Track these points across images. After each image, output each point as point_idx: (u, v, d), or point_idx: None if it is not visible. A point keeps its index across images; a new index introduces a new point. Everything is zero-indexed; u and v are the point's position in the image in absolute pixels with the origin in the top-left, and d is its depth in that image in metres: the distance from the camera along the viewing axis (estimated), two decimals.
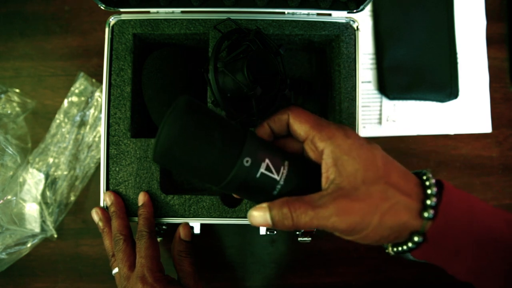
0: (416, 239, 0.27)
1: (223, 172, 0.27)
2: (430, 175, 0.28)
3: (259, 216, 0.28)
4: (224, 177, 0.27)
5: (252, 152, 0.27)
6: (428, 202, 0.27)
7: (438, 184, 0.28)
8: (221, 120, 0.27)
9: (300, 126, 0.30)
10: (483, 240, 0.26)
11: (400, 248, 0.28)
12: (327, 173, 0.28)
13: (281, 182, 0.28)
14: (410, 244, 0.27)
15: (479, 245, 0.26)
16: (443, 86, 0.56)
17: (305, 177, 0.30)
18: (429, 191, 0.27)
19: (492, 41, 0.59)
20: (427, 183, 0.28)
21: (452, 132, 0.58)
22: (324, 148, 0.28)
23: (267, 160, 0.27)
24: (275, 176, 0.28)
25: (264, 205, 0.28)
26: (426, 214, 0.26)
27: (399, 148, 0.57)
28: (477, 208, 0.27)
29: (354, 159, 0.27)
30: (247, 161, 0.26)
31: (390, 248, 0.30)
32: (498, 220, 0.27)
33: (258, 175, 0.27)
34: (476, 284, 0.28)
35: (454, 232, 0.26)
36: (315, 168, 0.30)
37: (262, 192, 0.29)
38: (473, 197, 0.28)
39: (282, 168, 0.28)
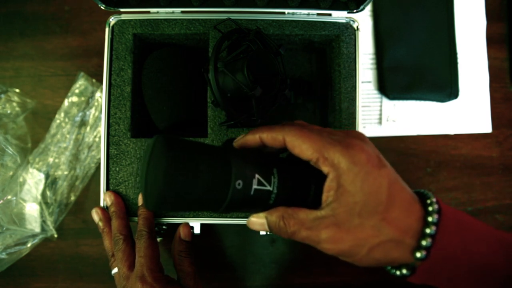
0: (404, 271, 0.28)
1: (219, 200, 0.27)
2: (434, 205, 0.27)
3: (259, 224, 0.30)
4: (220, 204, 0.27)
5: (241, 174, 0.27)
6: (424, 243, 0.26)
7: (438, 212, 0.27)
8: (201, 150, 0.26)
9: (301, 151, 0.28)
10: (478, 272, 0.26)
11: (395, 272, 0.29)
12: (328, 194, 0.27)
13: (275, 191, 0.28)
14: (397, 273, 0.28)
15: (475, 276, 0.27)
16: (443, 86, 0.56)
17: (296, 179, 0.30)
18: (427, 230, 0.26)
19: (492, 41, 0.59)
20: (430, 218, 0.26)
21: (452, 132, 0.58)
22: (328, 173, 0.27)
23: (257, 176, 0.27)
24: (268, 188, 0.28)
25: (262, 215, 0.29)
26: (418, 255, 0.26)
27: (399, 148, 0.57)
28: (472, 237, 0.27)
29: (356, 192, 0.26)
30: (238, 184, 0.26)
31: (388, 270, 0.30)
32: (494, 249, 0.27)
33: (252, 192, 0.27)
34: None
35: (447, 265, 0.27)
36: (303, 164, 0.29)
37: (259, 204, 0.29)
38: (469, 221, 0.28)
39: (272, 178, 0.28)
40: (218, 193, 0.26)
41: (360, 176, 0.26)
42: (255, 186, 0.27)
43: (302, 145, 0.28)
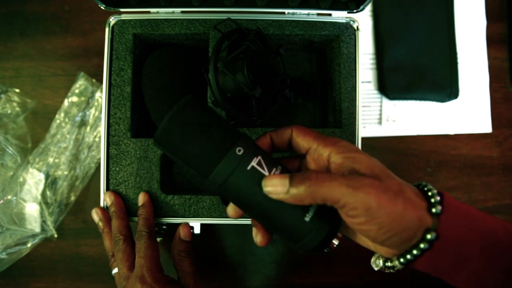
0: (429, 236, 0.26)
1: (214, 159, 0.27)
2: (430, 185, 0.29)
3: (277, 178, 0.27)
4: (215, 163, 0.27)
5: (245, 145, 0.28)
6: (433, 200, 0.27)
7: (441, 203, 0.28)
8: (221, 119, 0.29)
9: (303, 139, 0.31)
10: (486, 241, 0.27)
11: (408, 256, 0.28)
12: (340, 165, 0.29)
13: None
14: (422, 245, 0.27)
15: (483, 247, 0.27)
16: (443, 86, 0.56)
17: None
18: (430, 193, 0.28)
19: (492, 41, 0.59)
20: (429, 193, 0.28)
21: (452, 132, 0.58)
22: (330, 153, 0.29)
23: (259, 157, 0.28)
24: (266, 173, 0.27)
25: (284, 174, 0.27)
26: (434, 210, 0.27)
27: (399, 148, 0.57)
28: (475, 213, 0.28)
29: (365, 156, 0.28)
30: (239, 150, 0.27)
31: (396, 261, 0.29)
32: (497, 224, 0.27)
33: (248, 167, 0.27)
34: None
35: (459, 232, 0.27)
36: None
37: (252, 188, 0.27)
38: (469, 206, 0.28)
39: (274, 170, 0.28)
40: (217, 152, 0.27)
41: (360, 150, 0.29)
42: (254, 164, 0.27)
43: (305, 134, 0.31)
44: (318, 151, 0.30)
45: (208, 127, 0.28)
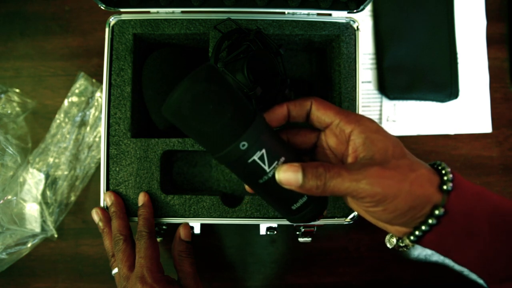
0: (437, 212, 0.27)
1: (220, 145, 0.28)
2: (444, 164, 0.29)
3: (290, 171, 0.28)
4: (218, 150, 0.28)
5: (251, 138, 0.28)
6: (445, 177, 0.28)
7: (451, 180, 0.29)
8: (236, 96, 0.28)
9: (325, 112, 0.31)
10: (494, 219, 0.27)
11: (417, 232, 0.29)
12: (356, 153, 0.29)
13: (269, 175, 0.29)
14: (430, 221, 0.27)
15: (491, 224, 0.27)
16: (443, 86, 0.56)
17: None
18: (444, 172, 0.28)
19: (492, 41, 0.59)
20: (443, 171, 0.29)
21: (452, 132, 0.58)
22: (352, 130, 0.30)
23: (263, 150, 0.28)
24: (265, 168, 0.29)
25: (296, 163, 0.28)
26: (445, 187, 0.27)
27: None
28: (486, 193, 0.28)
29: (384, 137, 0.29)
30: (243, 145, 0.27)
31: (407, 240, 0.30)
32: (506, 203, 0.28)
33: (250, 160, 0.28)
34: (483, 271, 0.29)
35: (468, 208, 0.27)
36: None
37: (249, 176, 0.30)
38: (481, 186, 0.29)
39: (276, 163, 0.29)
40: (223, 139, 0.27)
41: (381, 128, 0.30)
42: (255, 158, 0.28)
43: (327, 108, 0.31)
44: (340, 126, 0.30)
45: (223, 106, 0.26)
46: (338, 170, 0.27)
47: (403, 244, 0.31)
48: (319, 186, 0.27)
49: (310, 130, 0.34)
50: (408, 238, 0.29)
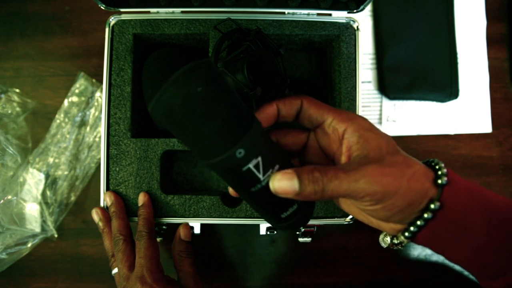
0: (433, 206, 0.27)
1: (214, 152, 0.26)
2: (437, 160, 0.30)
3: (285, 180, 0.26)
4: (211, 156, 0.26)
5: (248, 145, 0.26)
6: (440, 172, 0.28)
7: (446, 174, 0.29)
8: (233, 98, 0.25)
9: (317, 111, 0.31)
10: (488, 214, 0.27)
11: (412, 228, 0.28)
12: (350, 152, 0.29)
13: (263, 183, 0.27)
14: (426, 215, 0.27)
15: (486, 219, 0.27)
16: (443, 86, 0.56)
17: None
18: (438, 167, 0.28)
19: (492, 41, 0.59)
20: (437, 166, 0.29)
21: (452, 132, 0.58)
22: (346, 128, 0.29)
23: (259, 158, 0.27)
24: (260, 176, 0.27)
25: (290, 170, 0.27)
26: (440, 181, 0.27)
27: None
28: (479, 188, 0.28)
29: (377, 135, 0.29)
30: (239, 153, 0.25)
31: (401, 237, 0.30)
32: (501, 200, 0.28)
33: (245, 168, 0.26)
34: (476, 267, 0.29)
35: (463, 203, 0.27)
36: None
37: (243, 183, 0.28)
38: (475, 182, 0.30)
39: (270, 171, 0.27)
40: (219, 146, 0.25)
41: (374, 125, 0.30)
42: (251, 166, 0.26)
43: (318, 106, 0.31)
44: (333, 125, 0.30)
45: (219, 109, 0.24)
46: (335, 172, 0.26)
47: (398, 242, 0.30)
48: (317, 191, 0.26)
49: (300, 131, 0.33)
50: (403, 234, 0.29)
